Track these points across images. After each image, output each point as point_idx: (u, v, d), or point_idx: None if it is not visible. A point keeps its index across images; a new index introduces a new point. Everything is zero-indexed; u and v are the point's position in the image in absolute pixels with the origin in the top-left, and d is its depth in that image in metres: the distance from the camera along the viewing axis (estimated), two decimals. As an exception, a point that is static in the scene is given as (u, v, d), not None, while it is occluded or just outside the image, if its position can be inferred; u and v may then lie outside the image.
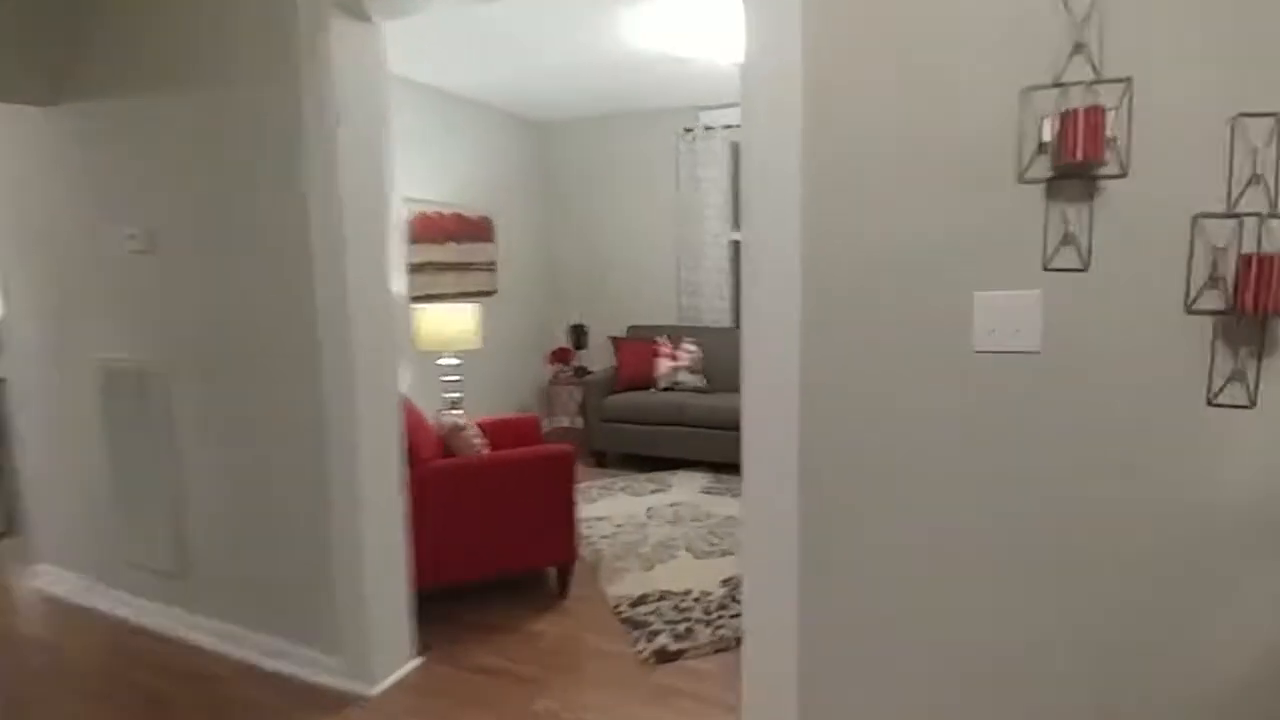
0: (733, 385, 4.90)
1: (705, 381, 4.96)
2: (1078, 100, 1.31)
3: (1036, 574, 1.45)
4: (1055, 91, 1.33)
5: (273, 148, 2.10)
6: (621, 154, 5.53)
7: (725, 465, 4.61)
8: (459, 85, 4.60)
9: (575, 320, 5.76)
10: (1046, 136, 1.35)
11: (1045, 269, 1.39)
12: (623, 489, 4.33)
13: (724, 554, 3.36)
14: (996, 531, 1.47)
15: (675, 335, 5.12)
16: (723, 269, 5.28)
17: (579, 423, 5.53)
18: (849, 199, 1.51)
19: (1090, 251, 1.35)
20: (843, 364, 1.56)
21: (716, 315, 5.33)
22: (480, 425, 3.19)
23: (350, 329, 2.05)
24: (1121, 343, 1.34)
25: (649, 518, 3.85)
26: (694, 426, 4.61)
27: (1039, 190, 1.37)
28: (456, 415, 2.98)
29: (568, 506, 2.81)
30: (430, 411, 3.52)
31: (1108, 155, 1.30)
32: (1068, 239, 1.37)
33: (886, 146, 1.47)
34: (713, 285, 5.32)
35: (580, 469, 4.81)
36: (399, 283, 3.49)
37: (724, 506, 4.01)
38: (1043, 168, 1.37)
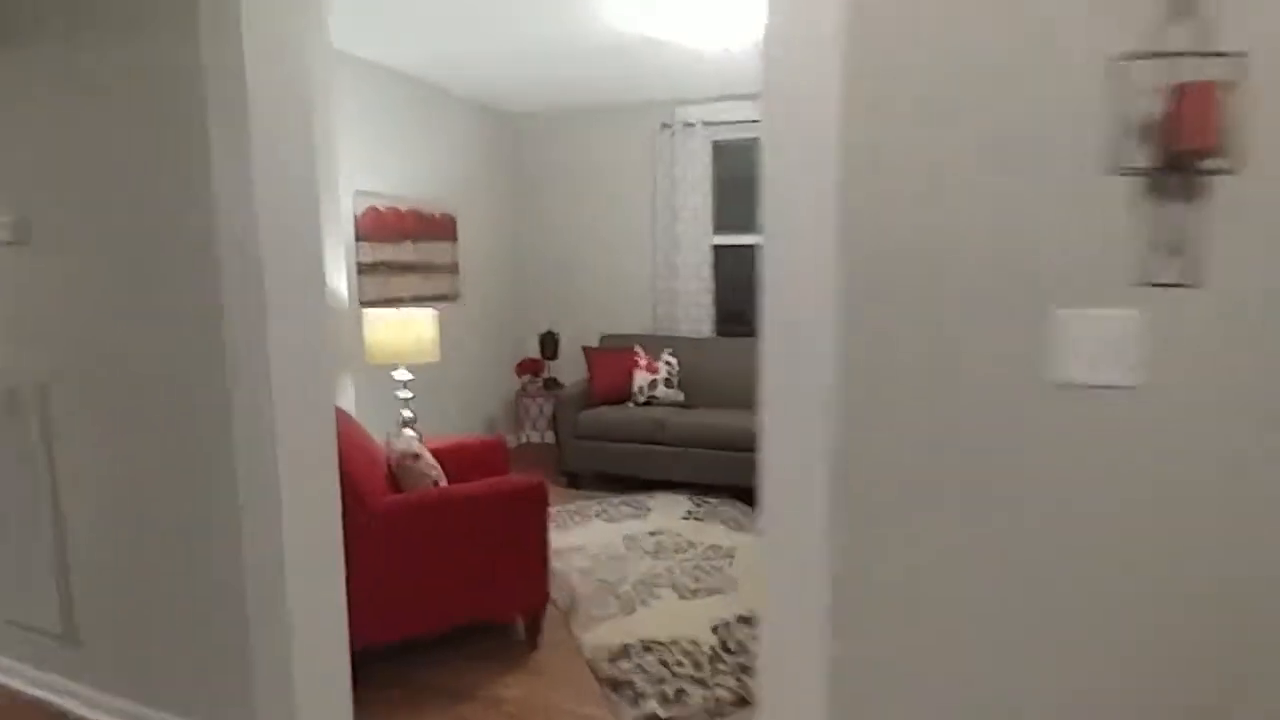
0: (713, 400, 4.56)
1: (684, 396, 4.62)
2: (1184, 75, 1.00)
3: (1122, 657, 1.12)
4: (1152, 64, 1.02)
5: (175, 119, 1.68)
6: (595, 150, 5.17)
7: (707, 487, 4.27)
8: (420, 68, 4.19)
9: (545, 328, 5.37)
10: (1145, 118, 1.04)
11: (1142, 284, 1.07)
12: (598, 514, 3.96)
13: (712, 593, 3.00)
14: (1069, 608, 1.15)
15: (652, 346, 4.77)
16: (703, 275, 4.96)
17: (550, 438, 5.15)
18: (897, 192, 1.18)
19: (1203, 263, 1.04)
20: (890, 387, 1.22)
21: (695, 325, 5.00)
22: (437, 451, 2.78)
23: (270, 342, 1.65)
24: (1248, 380, 1.03)
25: (627, 548, 3.48)
26: (674, 445, 4.25)
27: (1133, 185, 1.06)
28: (410, 439, 2.58)
29: (539, 548, 2.43)
30: (382, 433, 3.10)
31: (1227, 143, 0.99)
32: (1172, 247, 1.06)
33: (941, 129, 1.15)
34: (691, 292, 4.99)
35: (551, 490, 4.42)
36: (343, 286, 3.09)
37: (708, 534, 3.66)
38: (1137, 156, 1.05)
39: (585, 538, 3.60)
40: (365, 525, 2.13)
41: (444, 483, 2.48)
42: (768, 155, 1.30)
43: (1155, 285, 1.07)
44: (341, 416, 2.24)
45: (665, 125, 4.92)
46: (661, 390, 4.58)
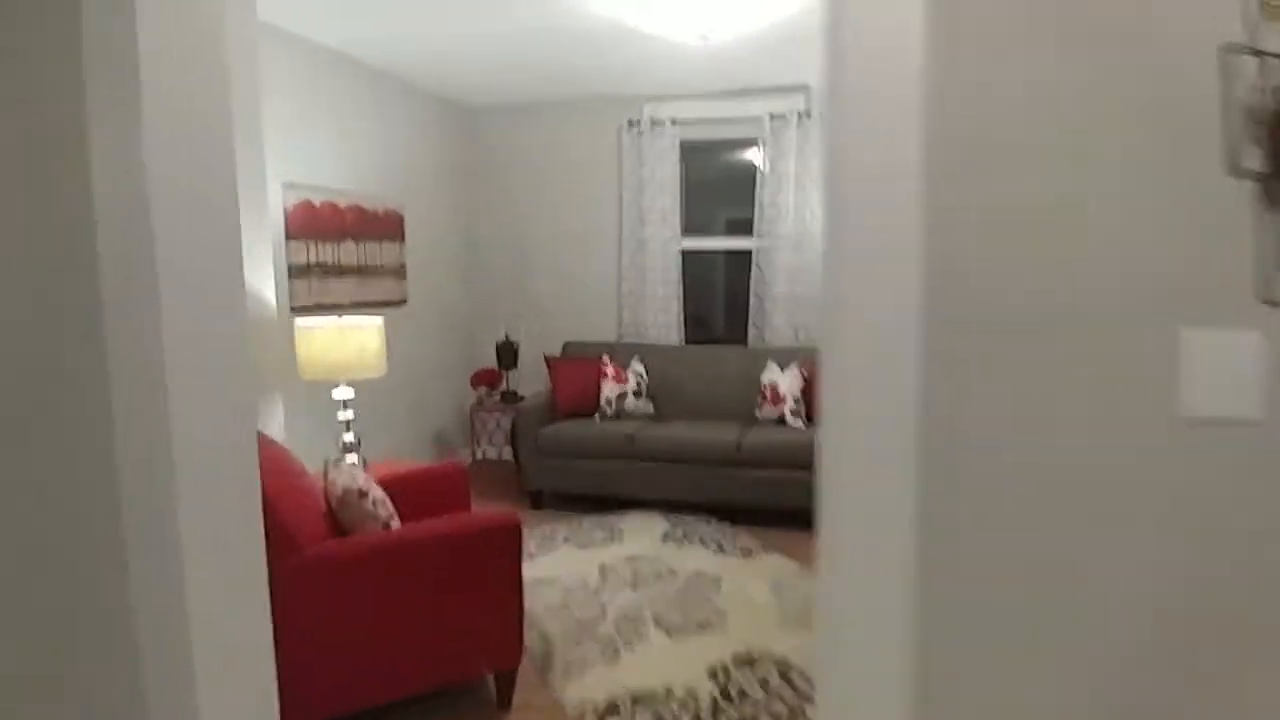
0: (685, 412, 4.27)
1: (654, 408, 4.31)
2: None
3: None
4: (1257, 61, 0.82)
5: (44, 78, 1.28)
6: (557, 147, 4.83)
7: (682, 504, 3.96)
8: (366, 50, 3.78)
9: (503, 336, 4.99)
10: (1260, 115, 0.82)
11: (1264, 301, 0.84)
12: (567, 539, 3.60)
13: (703, 628, 2.70)
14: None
15: (619, 354, 4.45)
16: (671, 280, 4.66)
17: (508, 454, 4.76)
18: (989, 190, 0.91)
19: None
20: (988, 413, 0.94)
21: (663, 332, 4.70)
22: (387, 482, 2.39)
23: (165, 353, 1.26)
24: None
25: (603, 579, 3.14)
26: (646, 461, 3.94)
27: (1251, 190, 0.83)
28: (354, 469, 2.19)
29: (512, 595, 2.08)
30: (319, 462, 2.69)
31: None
32: None
33: (1042, 120, 0.89)
34: (659, 298, 4.69)
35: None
36: (269, 289, 2.66)
37: (690, 559, 3.35)
38: (1251, 158, 0.83)
39: (555, 567, 3.25)
40: (299, 578, 1.74)
41: (396, 522, 2.10)
42: (837, 158, 1.00)
43: (1271, 304, 0.84)
44: (267, 444, 1.85)
45: (632, 122, 4.62)
46: (631, 402, 4.26)
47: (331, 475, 2.11)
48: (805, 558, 3.36)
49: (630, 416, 4.24)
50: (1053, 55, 0.88)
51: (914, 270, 0.95)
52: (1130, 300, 0.88)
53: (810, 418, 3.93)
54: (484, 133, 4.95)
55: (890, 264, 0.97)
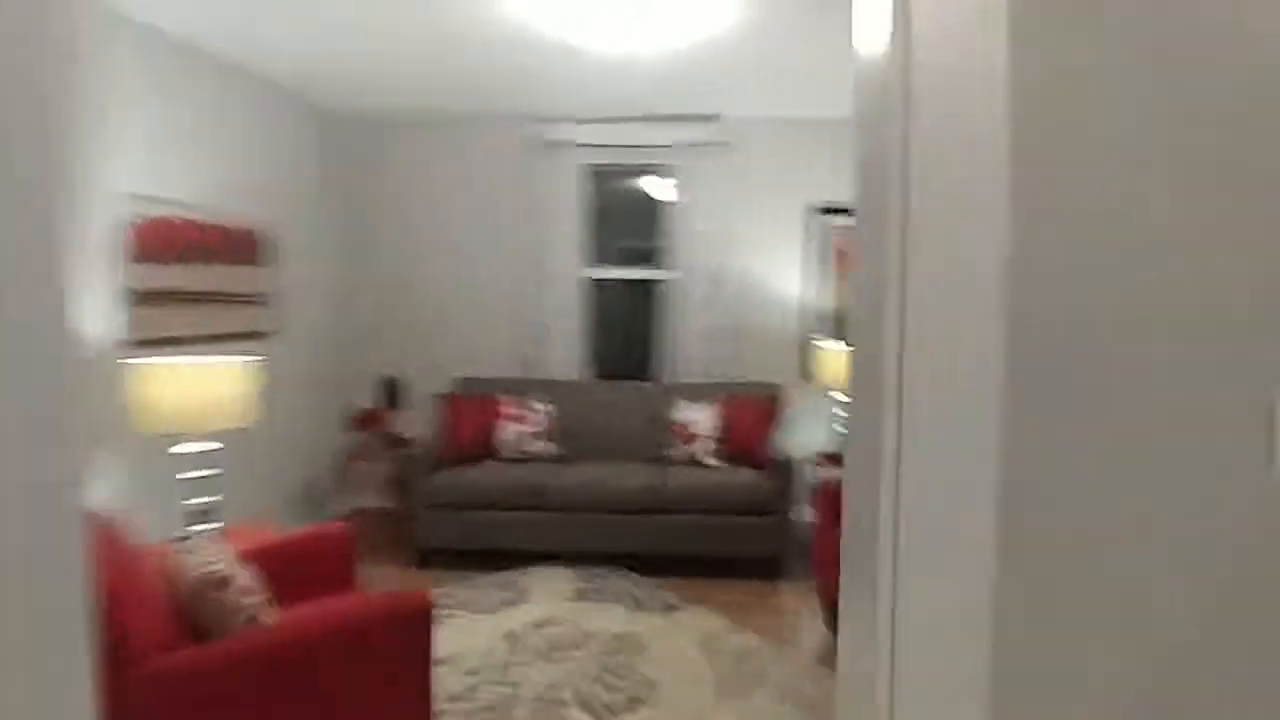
0: (592, 453, 3.99)
1: (560, 449, 3.99)
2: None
3: None
4: None
5: None
6: (451, 165, 4.46)
7: (592, 556, 3.65)
8: (231, 48, 3.29)
9: (386, 373, 4.50)
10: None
11: None
12: (466, 605, 3.19)
13: (633, 704, 2.40)
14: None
15: (520, 391, 4.11)
16: (574, 312, 4.40)
17: (391, 505, 4.25)
18: (1073, 232, 0.76)
19: None
20: (1071, 469, 0.77)
21: (567, 367, 4.41)
22: (254, 556, 1.93)
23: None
24: None
25: (512, 650, 2.77)
26: (554, 510, 3.61)
27: None
28: (209, 545, 1.73)
29: (418, 692, 1.70)
30: (165, 535, 2.17)
31: None
32: None
33: (1134, 145, 0.75)
34: (563, 331, 4.40)
35: (397, 573, 3.57)
36: (99, 321, 2.15)
37: (607, 619, 3.05)
38: None
39: (455, 641, 2.83)
40: (143, 698, 1.30)
41: (269, 614, 1.67)
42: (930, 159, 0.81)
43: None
44: (97, 522, 1.39)
45: (534, 143, 4.35)
46: (534, 444, 3.92)
47: (182, 559, 1.64)
48: (731, 610, 3.16)
49: (534, 460, 3.89)
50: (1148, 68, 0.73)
51: (997, 319, 0.76)
52: (1231, 351, 0.74)
53: (730, 458, 3.77)
54: (368, 146, 4.50)
55: (971, 311, 0.78)
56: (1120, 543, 0.77)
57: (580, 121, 4.29)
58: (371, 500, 4.40)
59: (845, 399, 3.69)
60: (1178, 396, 0.75)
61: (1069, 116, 0.74)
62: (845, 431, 0.97)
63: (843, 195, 4.23)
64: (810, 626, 3.03)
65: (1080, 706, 0.78)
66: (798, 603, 3.27)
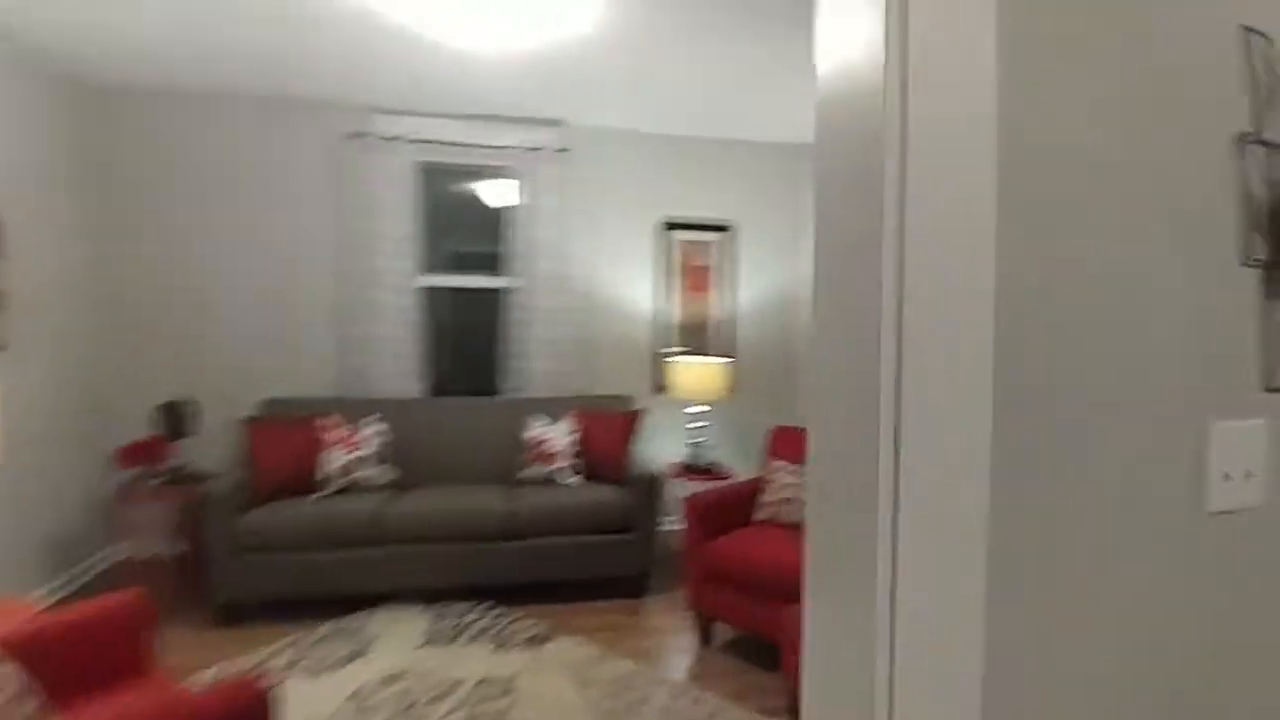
0: (436, 478, 3.64)
1: (398, 475, 3.57)
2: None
3: None
4: (1262, 150, 0.84)
5: None
6: (259, 154, 3.84)
7: (444, 592, 3.29)
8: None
9: (168, 395, 3.74)
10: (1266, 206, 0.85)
11: (1267, 389, 0.85)
12: (294, 663, 2.69)
13: (517, 757, 2.14)
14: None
15: (348, 412, 3.62)
16: (407, 322, 3.98)
17: (176, 549, 3.53)
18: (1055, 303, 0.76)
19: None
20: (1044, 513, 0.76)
21: (400, 383, 3.98)
22: (12, 649, 1.41)
23: None
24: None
25: (360, 713, 2.37)
26: (395, 542, 3.20)
27: (1257, 278, 0.85)
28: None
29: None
30: None
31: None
32: None
33: (1092, 196, 0.77)
34: (394, 343, 3.97)
35: (191, 637, 2.93)
36: None
37: (469, 663, 2.73)
38: (1260, 248, 0.85)
39: (290, 713, 2.36)
40: None
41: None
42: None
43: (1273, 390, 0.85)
44: None
45: (357, 134, 3.89)
46: (368, 470, 3.46)
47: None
48: (602, 635, 2.99)
49: (368, 489, 3.43)
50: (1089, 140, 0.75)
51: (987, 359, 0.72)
52: (1162, 391, 0.80)
53: (589, 474, 3.60)
54: (138, 123, 3.73)
55: (964, 347, 0.72)
56: (1088, 566, 0.77)
57: (414, 114, 3.92)
58: (149, 549, 3.62)
59: (694, 412, 3.72)
60: (1129, 434, 0.78)
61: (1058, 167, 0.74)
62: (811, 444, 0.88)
63: (692, 211, 4.31)
64: (682, 643, 2.96)
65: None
66: (667, 619, 3.18)
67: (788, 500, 3.00)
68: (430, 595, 3.27)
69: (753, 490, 3.16)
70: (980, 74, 0.72)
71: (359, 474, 3.45)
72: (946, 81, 0.74)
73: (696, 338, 4.34)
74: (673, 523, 4.18)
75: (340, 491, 3.38)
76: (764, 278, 4.46)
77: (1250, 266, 0.83)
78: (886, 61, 0.77)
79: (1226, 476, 0.84)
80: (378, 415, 3.65)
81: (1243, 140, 0.84)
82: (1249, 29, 0.85)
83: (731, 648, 2.92)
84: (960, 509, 0.74)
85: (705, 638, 2.97)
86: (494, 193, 4.26)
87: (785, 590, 2.58)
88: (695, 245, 4.34)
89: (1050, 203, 0.74)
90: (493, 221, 4.20)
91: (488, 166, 4.14)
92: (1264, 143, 0.85)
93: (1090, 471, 0.76)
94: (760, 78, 3.32)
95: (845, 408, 0.85)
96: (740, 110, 3.81)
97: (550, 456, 3.59)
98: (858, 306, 0.83)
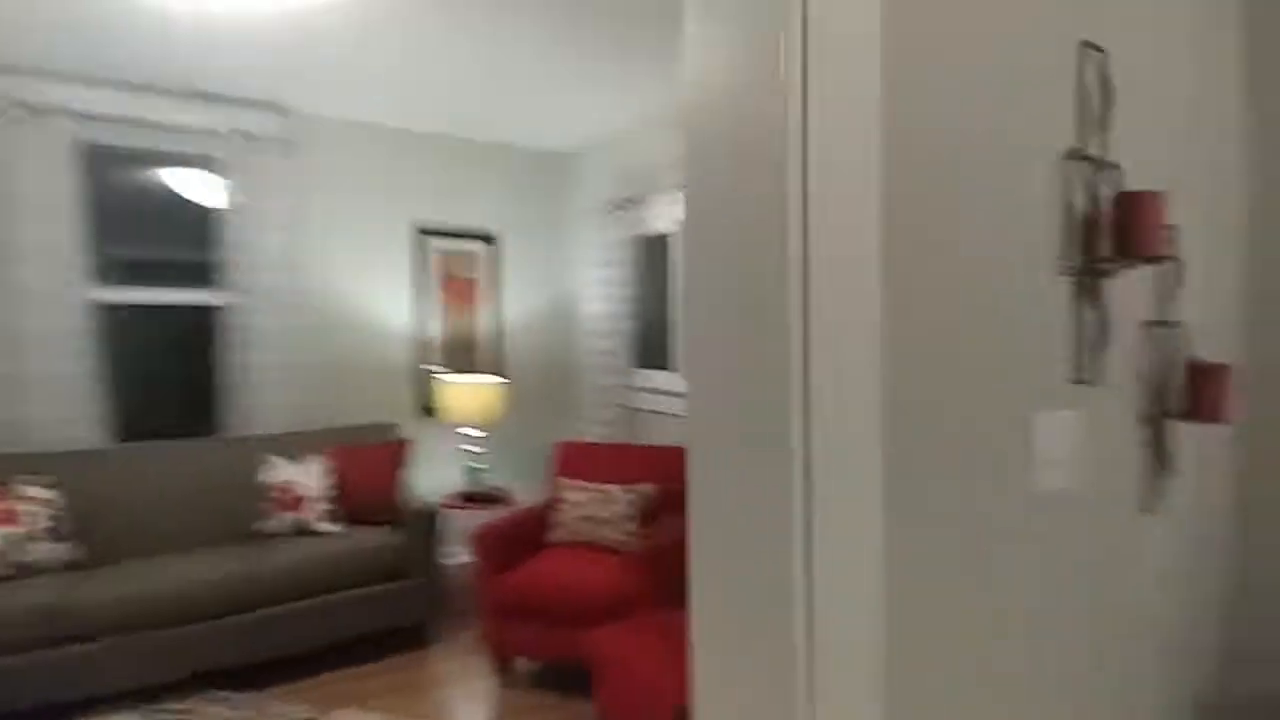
0: (140, 548, 2.93)
1: (80, 551, 2.77)
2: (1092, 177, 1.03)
3: None
4: (1087, 164, 1.01)
5: None
6: None
7: (171, 686, 2.63)
8: None
9: None
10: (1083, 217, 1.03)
11: (1073, 381, 1.04)
12: None
13: None
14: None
15: (-8, 476, 2.70)
16: (73, 351, 3.09)
17: None
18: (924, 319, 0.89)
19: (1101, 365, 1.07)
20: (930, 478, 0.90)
21: (71, 430, 3.08)
22: None
23: None
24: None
25: None
26: (86, 639, 2.47)
27: (1070, 283, 1.04)
28: None
29: None
30: None
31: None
32: (1093, 344, 1.06)
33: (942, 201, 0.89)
34: (55, 380, 3.05)
35: None
36: None
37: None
38: (1074, 255, 1.02)
39: None
40: None
41: None
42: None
43: (1077, 383, 1.03)
44: None
45: (-21, 100, 2.89)
46: (39, 549, 2.62)
47: None
48: (388, 700, 2.65)
49: (39, 572, 2.60)
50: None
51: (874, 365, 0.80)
52: (1002, 387, 0.95)
53: (351, 519, 3.15)
54: None
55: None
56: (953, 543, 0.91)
57: (74, 80, 3.04)
58: None
59: (469, 436, 3.43)
60: (971, 417, 0.92)
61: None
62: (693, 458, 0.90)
63: (449, 218, 3.99)
64: (480, 688, 2.76)
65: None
66: (459, 664, 2.94)
67: (585, 518, 2.95)
68: (149, 694, 2.59)
69: (543, 513, 3.06)
70: (867, 73, 0.78)
71: (25, 556, 2.59)
72: (839, 82, 0.77)
73: (464, 356, 4.04)
74: (455, 558, 3.82)
75: (5, 579, 2.51)
76: (532, 291, 4.32)
77: (1065, 275, 0.98)
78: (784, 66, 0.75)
79: (1046, 462, 0.98)
80: (43, 476, 2.77)
81: (1071, 156, 0.97)
82: (1087, 43, 0.98)
83: (535, 680, 2.80)
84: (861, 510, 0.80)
85: (504, 674, 2.80)
86: (196, 188, 3.50)
87: (594, 612, 2.53)
88: (457, 256, 4.05)
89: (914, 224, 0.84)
90: (198, 224, 3.45)
91: (182, 153, 3.38)
92: (1087, 158, 0.98)
93: (951, 464, 0.89)
94: (523, 79, 3.17)
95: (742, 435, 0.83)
96: (499, 113, 3.62)
97: (297, 502, 3.07)
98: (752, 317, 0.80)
